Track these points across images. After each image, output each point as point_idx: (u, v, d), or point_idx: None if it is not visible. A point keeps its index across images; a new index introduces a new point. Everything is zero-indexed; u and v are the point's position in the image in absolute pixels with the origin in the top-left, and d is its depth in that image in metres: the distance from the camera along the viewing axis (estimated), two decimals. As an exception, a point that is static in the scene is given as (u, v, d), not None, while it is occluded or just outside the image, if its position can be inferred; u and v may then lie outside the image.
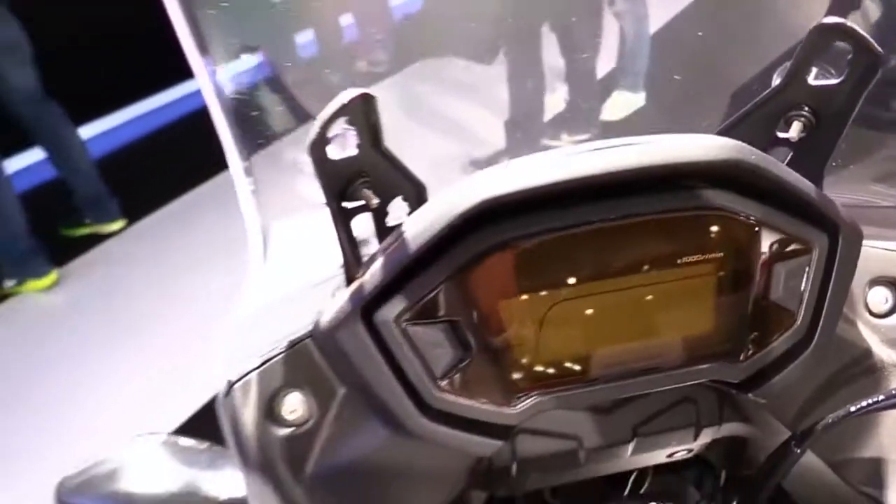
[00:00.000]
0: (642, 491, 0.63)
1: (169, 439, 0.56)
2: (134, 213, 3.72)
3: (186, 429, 2.49)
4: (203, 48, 0.39)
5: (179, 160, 4.16)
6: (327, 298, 0.46)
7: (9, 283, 3.26)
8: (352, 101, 0.38)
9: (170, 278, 3.31)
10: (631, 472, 0.62)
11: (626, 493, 0.62)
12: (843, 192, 0.54)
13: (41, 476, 2.34)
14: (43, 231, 3.31)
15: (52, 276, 3.28)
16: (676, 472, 0.63)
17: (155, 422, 2.56)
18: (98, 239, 3.54)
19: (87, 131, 4.22)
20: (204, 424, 2.50)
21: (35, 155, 3.58)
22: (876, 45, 0.40)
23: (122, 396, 2.71)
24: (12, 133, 3.14)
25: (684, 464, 0.61)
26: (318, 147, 0.38)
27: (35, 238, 3.22)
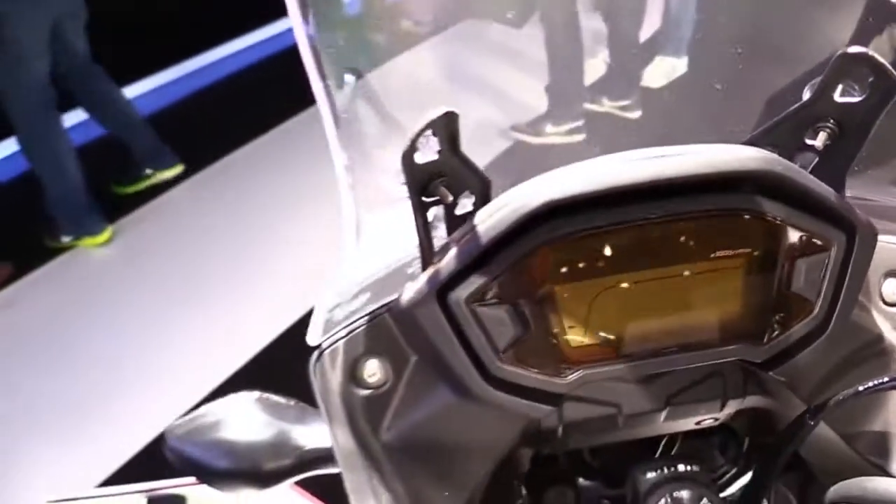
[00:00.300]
0: (672, 453, 0.70)
1: (261, 396, 0.64)
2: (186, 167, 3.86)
3: (241, 376, 2.66)
4: (322, 72, 0.46)
5: (230, 116, 4.28)
6: (405, 278, 0.53)
7: (65, 239, 3.35)
8: (439, 117, 0.44)
9: (223, 232, 3.42)
10: (663, 436, 0.68)
11: (657, 454, 0.69)
12: (867, 191, 0.60)
13: (107, 427, 2.50)
14: (95, 188, 3.41)
15: (108, 232, 3.39)
16: (703, 437, 0.70)
17: (212, 369, 2.70)
18: (149, 195, 3.63)
19: (137, 89, 4.35)
20: (260, 370, 2.67)
21: (80, 115, 3.66)
22: (894, 71, 0.46)
23: (176, 348, 2.84)
24: (60, 92, 3.21)
25: (710, 430, 0.67)
26: (408, 155, 0.45)
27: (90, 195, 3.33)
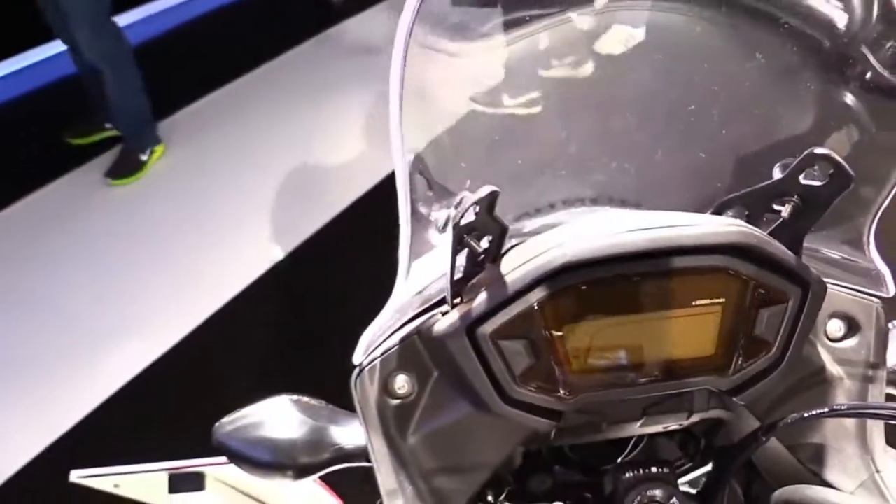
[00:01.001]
0: (640, 448, 0.81)
1: (298, 399, 0.73)
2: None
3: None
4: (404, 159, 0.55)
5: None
6: (431, 308, 0.63)
7: (143, 157, 3.47)
8: (486, 195, 0.54)
9: (188, 182, 3.51)
10: (633, 437, 0.79)
11: (628, 451, 0.80)
12: (823, 245, 0.71)
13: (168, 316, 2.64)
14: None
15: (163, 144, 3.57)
16: (667, 436, 0.81)
17: (259, 257, 2.99)
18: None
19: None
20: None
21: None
22: (850, 170, 0.56)
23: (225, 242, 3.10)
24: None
25: (673, 432, 0.79)
26: (457, 221, 0.54)
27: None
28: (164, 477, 0.91)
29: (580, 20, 0.56)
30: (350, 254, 3.08)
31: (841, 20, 0.60)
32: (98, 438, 2.34)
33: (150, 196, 3.37)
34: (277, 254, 3.05)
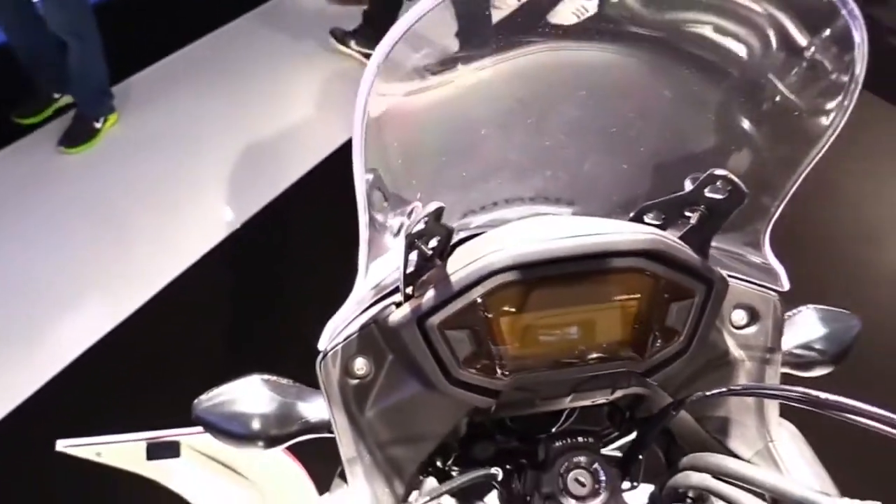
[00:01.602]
0: (572, 419, 0.91)
1: (268, 378, 0.82)
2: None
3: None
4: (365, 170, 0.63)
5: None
6: (389, 302, 0.72)
7: (97, 125, 3.42)
8: (434, 210, 0.63)
9: (141, 146, 3.51)
10: (566, 409, 0.90)
11: (561, 422, 0.90)
12: (730, 245, 0.81)
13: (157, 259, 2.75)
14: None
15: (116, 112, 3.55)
16: (596, 409, 0.91)
17: (216, 225, 3.07)
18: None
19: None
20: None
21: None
22: (744, 188, 0.66)
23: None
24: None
25: (601, 405, 0.89)
26: (409, 231, 0.63)
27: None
28: (143, 446, 0.99)
29: (520, 59, 0.65)
30: (306, 221, 3.15)
31: (747, 52, 0.69)
32: (55, 407, 2.40)
33: (103, 164, 3.36)
34: (233, 222, 3.11)
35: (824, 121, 0.69)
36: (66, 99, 3.53)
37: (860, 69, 0.65)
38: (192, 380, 2.17)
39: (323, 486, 0.87)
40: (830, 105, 0.68)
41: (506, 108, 0.70)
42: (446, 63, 0.63)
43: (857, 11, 0.61)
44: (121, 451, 0.97)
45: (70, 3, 3.09)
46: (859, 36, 0.63)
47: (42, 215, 3.09)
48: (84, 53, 3.22)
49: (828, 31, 0.64)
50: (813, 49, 0.66)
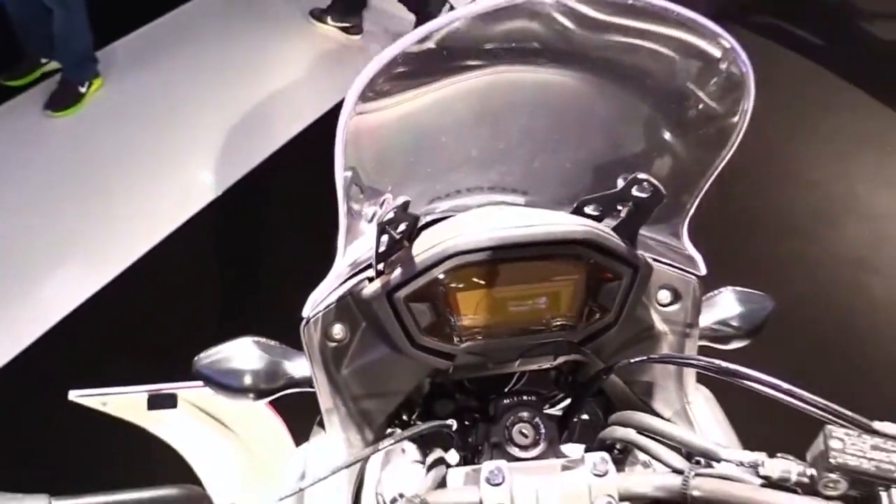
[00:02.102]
0: (522, 382, 1.03)
1: (259, 339, 0.95)
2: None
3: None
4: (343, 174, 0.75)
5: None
6: (361, 277, 0.85)
7: (82, 89, 3.53)
8: (402, 203, 0.75)
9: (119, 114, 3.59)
10: (515, 372, 1.03)
11: (512, 384, 1.03)
12: (656, 234, 0.94)
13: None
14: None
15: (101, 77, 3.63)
16: (543, 373, 1.04)
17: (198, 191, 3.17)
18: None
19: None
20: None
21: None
22: (662, 189, 0.79)
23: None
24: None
25: (548, 370, 1.02)
26: (381, 220, 0.76)
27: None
28: (144, 397, 1.11)
29: (476, 79, 0.78)
30: (287, 189, 3.25)
31: (663, 75, 0.81)
32: (36, 370, 2.50)
33: (88, 127, 3.45)
34: (216, 189, 3.21)
35: (726, 132, 0.82)
36: (53, 64, 3.59)
37: (749, 91, 0.78)
38: (171, 341, 2.30)
39: (300, 439, 1.00)
40: (731, 119, 0.81)
41: (464, 118, 0.82)
42: (415, 82, 0.75)
43: (738, 49, 0.74)
44: (125, 401, 1.09)
45: None
46: (744, 66, 0.76)
47: (27, 176, 3.18)
48: (69, 21, 3.29)
49: (724, 63, 0.77)
50: (713, 74, 0.79)
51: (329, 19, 4.07)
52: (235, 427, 1.32)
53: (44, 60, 3.59)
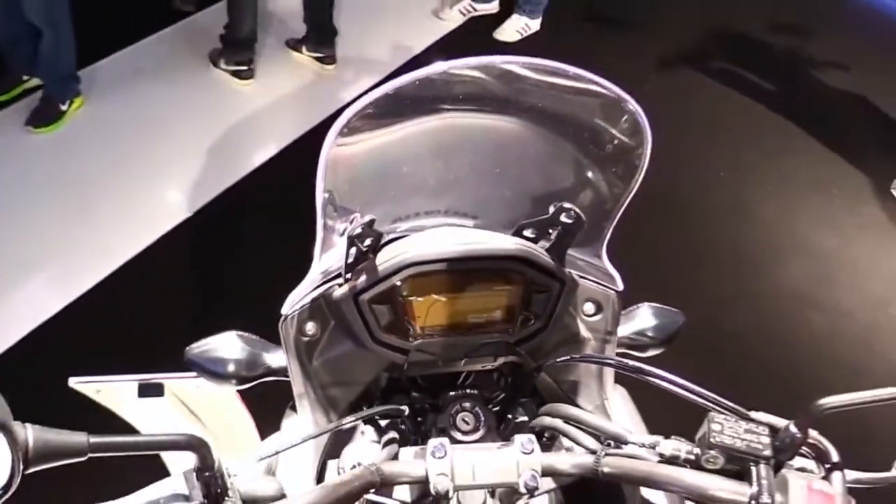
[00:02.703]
0: (469, 381, 1.17)
1: (242, 333, 1.10)
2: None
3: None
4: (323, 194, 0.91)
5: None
6: (332, 283, 1.00)
7: (63, 107, 3.63)
8: (368, 220, 0.91)
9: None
10: (462, 371, 1.15)
11: (460, 381, 1.17)
12: (582, 255, 1.11)
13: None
14: None
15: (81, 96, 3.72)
16: (486, 374, 1.17)
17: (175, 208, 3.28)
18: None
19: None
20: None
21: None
22: (583, 216, 0.96)
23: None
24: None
25: (489, 372, 1.16)
26: (350, 235, 0.91)
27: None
28: (135, 385, 1.25)
29: (431, 122, 0.95)
30: (263, 207, 3.39)
31: (581, 122, 0.98)
32: (13, 377, 2.55)
33: (67, 144, 3.57)
34: (191, 206, 3.33)
35: (631, 170, 0.99)
36: (35, 81, 3.70)
37: (647, 138, 0.95)
38: (149, 350, 2.40)
39: (265, 432, 1.14)
40: (635, 159, 0.98)
41: (422, 153, 0.99)
42: (382, 123, 0.92)
43: (638, 109, 0.92)
44: (118, 388, 1.22)
45: None
46: (642, 121, 0.93)
47: (8, 189, 3.27)
48: (56, 41, 3.40)
49: (626, 116, 0.94)
50: (620, 124, 0.96)
51: (304, 49, 4.21)
52: (208, 422, 1.45)
53: (25, 77, 3.70)
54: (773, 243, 3.54)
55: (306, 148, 3.55)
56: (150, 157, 3.55)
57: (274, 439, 1.06)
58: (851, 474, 0.84)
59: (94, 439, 0.64)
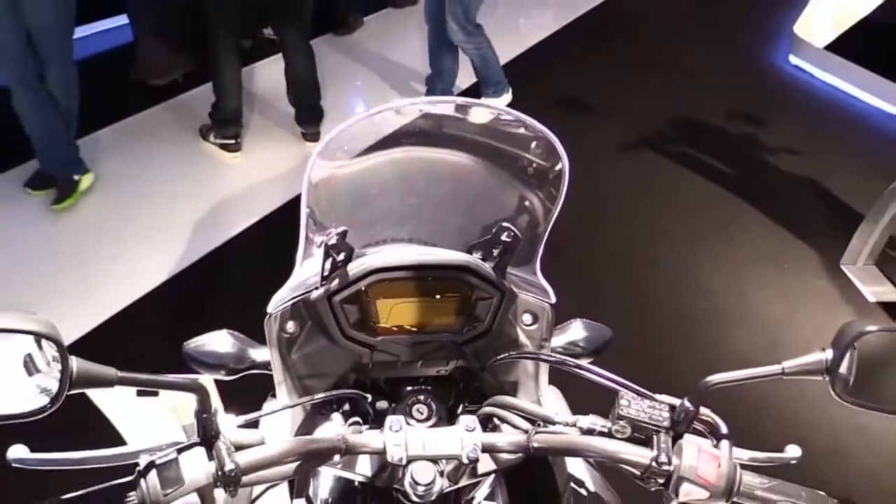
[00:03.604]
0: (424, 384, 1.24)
1: (232, 332, 1.28)
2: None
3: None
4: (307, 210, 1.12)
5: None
6: (311, 287, 1.19)
7: (76, 177, 3.85)
8: (341, 231, 1.11)
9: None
10: (420, 377, 1.26)
11: (419, 385, 1.30)
12: (522, 273, 1.31)
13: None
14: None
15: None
16: (441, 380, 1.27)
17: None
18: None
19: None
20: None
21: None
22: (519, 234, 1.16)
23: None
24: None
25: (443, 378, 1.30)
26: (327, 245, 1.10)
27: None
28: (134, 390, 1.41)
29: (394, 154, 1.17)
30: (246, 267, 3.60)
31: (515, 156, 1.20)
32: None
33: (61, 211, 3.80)
34: (171, 269, 3.54)
35: (554, 194, 1.18)
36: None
37: (565, 166, 1.15)
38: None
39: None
40: (557, 185, 1.17)
41: (387, 180, 1.20)
42: (354, 152, 1.14)
43: (557, 143, 1.14)
44: (120, 389, 1.38)
45: (68, 66, 3.56)
46: (561, 152, 1.14)
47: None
48: (71, 114, 3.66)
49: (549, 148, 1.15)
50: (545, 156, 1.17)
51: (211, 136, 4.44)
52: (187, 416, 1.59)
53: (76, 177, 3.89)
54: (721, 311, 3.73)
55: (287, 215, 3.81)
56: (138, 222, 3.78)
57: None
58: (746, 452, 1.03)
59: (121, 374, 0.81)
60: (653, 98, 5.76)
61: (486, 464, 1.17)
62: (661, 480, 0.95)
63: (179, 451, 0.88)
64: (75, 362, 0.77)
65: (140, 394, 1.42)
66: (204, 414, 0.89)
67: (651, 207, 4.48)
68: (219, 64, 4.07)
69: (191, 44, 4.70)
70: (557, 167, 1.17)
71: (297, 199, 1.11)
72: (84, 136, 4.07)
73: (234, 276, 3.55)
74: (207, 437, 0.90)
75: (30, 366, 0.78)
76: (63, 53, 3.46)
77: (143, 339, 3.12)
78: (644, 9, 7.92)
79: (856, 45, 6.19)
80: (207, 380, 1.29)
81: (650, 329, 3.54)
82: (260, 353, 1.29)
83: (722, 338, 3.54)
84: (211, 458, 0.89)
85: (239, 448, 0.91)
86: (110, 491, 0.85)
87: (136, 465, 0.87)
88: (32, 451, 0.92)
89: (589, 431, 1.00)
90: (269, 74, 5.17)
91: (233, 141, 4.30)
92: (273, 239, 3.51)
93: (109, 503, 0.85)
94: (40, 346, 0.77)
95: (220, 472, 0.88)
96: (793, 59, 6.64)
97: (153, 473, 0.85)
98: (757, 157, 5.13)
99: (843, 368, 0.94)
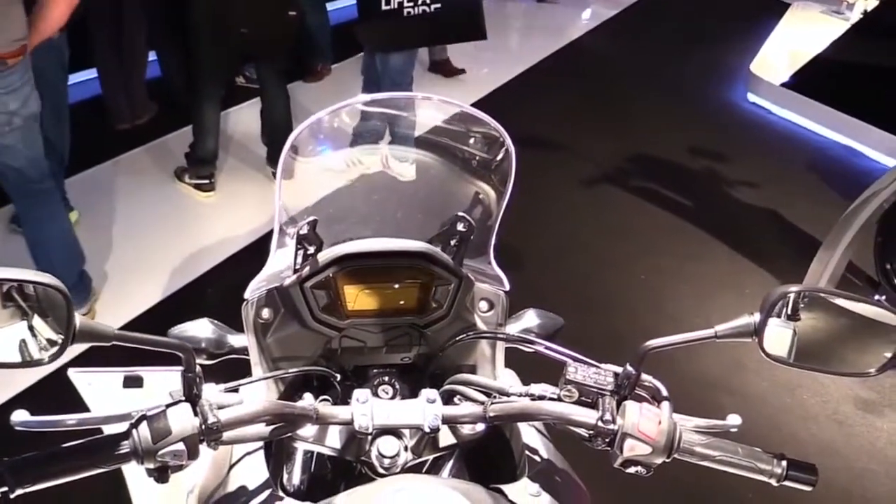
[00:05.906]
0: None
1: (212, 320, 1.36)
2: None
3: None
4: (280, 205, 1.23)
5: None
6: (285, 275, 1.30)
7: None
8: (310, 220, 1.22)
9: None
10: (388, 365, 1.33)
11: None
12: (477, 264, 1.42)
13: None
14: None
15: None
16: (408, 367, 1.35)
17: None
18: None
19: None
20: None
21: None
22: (473, 223, 1.28)
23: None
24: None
25: (407, 366, 1.39)
26: (299, 235, 1.21)
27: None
28: (121, 377, 1.48)
29: (368, 154, 1.28)
30: (209, 307, 3.58)
31: (469, 155, 1.33)
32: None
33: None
34: (146, 303, 3.63)
35: (503, 186, 1.30)
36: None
37: (511, 159, 1.27)
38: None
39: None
40: (506, 176, 1.30)
41: (351, 176, 1.32)
42: (319, 150, 1.26)
43: (506, 137, 1.26)
44: (107, 379, 1.46)
45: (63, 112, 3.64)
46: (509, 146, 1.27)
47: None
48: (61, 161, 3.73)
49: (497, 139, 1.28)
50: (496, 150, 1.30)
51: (186, 177, 4.53)
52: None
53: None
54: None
55: (256, 251, 3.90)
56: (115, 258, 3.86)
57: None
58: (689, 420, 1.12)
59: (117, 331, 0.91)
60: (614, 137, 5.97)
61: (447, 438, 1.27)
62: (607, 440, 1.03)
63: (168, 406, 0.97)
64: (78, 318, 0.87)
65: (126, 384, 1.52)
66: (189, 373, 0.98)
67: (613, 241, 4.63)
68: (201, 106, 4.21)
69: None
70: (503, 152, 1.29)
71: (268, 235, 1.22)
72: (69, 176, 4.15)
73: (206, 309, 3.61)
74: (192, 395, 0.99)
75: (37, 320, 0.89)
76: (56, 94, 3.52)
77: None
78: (605, 51, 8.19)
79: (811, 81, 6.48)
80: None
81: (616, 355, 3.61)
82: (238, 340, 1.38)
83: (687, 360, 3.64)
84: (196, 414, 0.97)
85: (220, 408, 1.00)
86: (107, 441, 0.94)
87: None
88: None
89: (540, 398, 1.10)
90: (242, 118, 5.31)
91: (207, 181, 4.40)
92: (243, 275, 3.59)
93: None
94: (44, 312, 0.88)
95: (203, 427, 0.96)
96: (751, 97, 6.92)
97: (144, 425, 0.94)
98: (718, 190, 5.32)
99: (771, 331, 1.04)
